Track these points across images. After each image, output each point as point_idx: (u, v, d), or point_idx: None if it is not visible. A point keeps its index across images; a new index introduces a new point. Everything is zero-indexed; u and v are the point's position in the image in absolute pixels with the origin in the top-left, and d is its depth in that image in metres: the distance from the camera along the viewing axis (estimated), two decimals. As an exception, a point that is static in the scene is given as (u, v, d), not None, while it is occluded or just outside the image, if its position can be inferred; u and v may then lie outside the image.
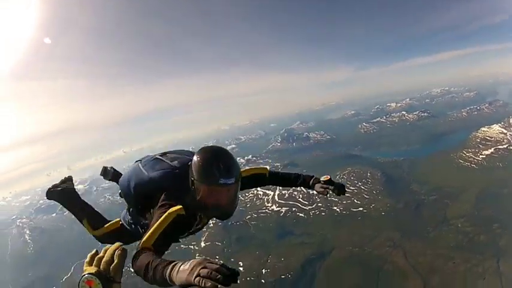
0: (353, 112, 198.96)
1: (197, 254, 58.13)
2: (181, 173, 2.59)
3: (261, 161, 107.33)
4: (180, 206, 2.36)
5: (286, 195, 75.42)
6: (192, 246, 61.52)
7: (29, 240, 74.95)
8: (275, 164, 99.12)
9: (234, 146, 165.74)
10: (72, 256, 59.58)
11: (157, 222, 2.16)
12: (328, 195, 3.18)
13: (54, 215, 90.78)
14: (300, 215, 68.11)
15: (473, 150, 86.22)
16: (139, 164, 2.92)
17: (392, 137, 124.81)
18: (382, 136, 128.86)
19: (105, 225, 3.57)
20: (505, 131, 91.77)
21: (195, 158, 2.40)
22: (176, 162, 2.78)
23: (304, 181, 3.26)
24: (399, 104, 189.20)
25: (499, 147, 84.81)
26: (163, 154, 2.98)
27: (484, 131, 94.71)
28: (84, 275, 1.44)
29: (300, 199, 72.84)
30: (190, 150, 3.05)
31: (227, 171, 2.29)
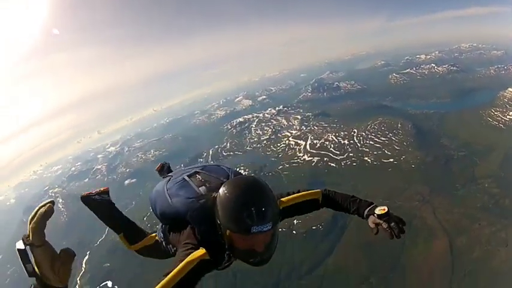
0: (383, 62, 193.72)
1: None
2: (208, 205, 2.12)
3: (292, 111, 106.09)
4: (204, 251, 2.07)
5: (318, 145, 75.30)
6: None
7: (62, 209, 74.31)
8: (306, 114, 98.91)
9: (264, 97, 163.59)
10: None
11: (175, 271, 1.90)
12: (377, 234, 2.51)
13: (86, 180, 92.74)
14: (332, 164, 67.80)
15: (500, 109, 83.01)
16: (165, 187, 2.61)
17: (422, 88, 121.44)
18: (412, 88, 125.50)
19: (141, 241, 3.28)
20: None
21: (221, 191, 1.97)
22: (204, 188, 2.44)
23: (358, 210, 2.67)
24: (428, 56, 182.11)
25: None
26: (194, 173, 2.66)
27: (511, 91, 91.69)
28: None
29: (331, 149, 72.57)
30: (226, 169, 2.69)
31: (261, 218, 1.89)
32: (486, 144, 67.73)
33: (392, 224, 2.37)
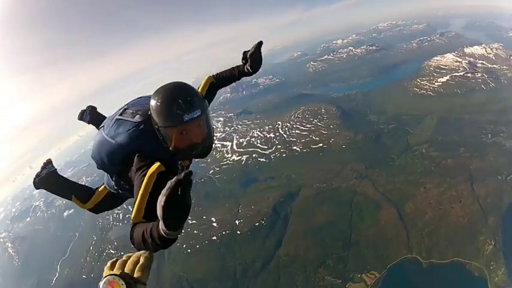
0: (299, 53, 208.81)
1: None
2: (147, 127, 2.55)
3: (214, 114, 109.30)
4: (158, 164, 2.33)
5: (245, 143, 79.59)
6: None
7: (13, 253, 76.25)
8: (228, 115, 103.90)
9: None
10: (55, 254, 64.70)
11: (140, 191, 2.15)
12: (248, 63, 3.37)
13: (28, 219, 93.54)
14: (261, 160, 71.75)
15: (427, 78, 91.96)
16: (103, 132, 2.84)
17: (342, 72, 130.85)
18: (332, 73, 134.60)
19: (93, 197, 3.66)
20: (459, 60, 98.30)
21: (151, 102, 2.40)
22: (138, 116, 2.70)
23: (238, 68, 3.51)
24: (345, 40, 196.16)
25: (455, 74, 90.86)
26: (123, 111, 2.87)
27: (437, 60, 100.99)
28: (106, 276, 1.41)
29: (258, 144, 76.91)
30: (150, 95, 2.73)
31: (190, 106, 2.30)
32: (416, 113, 74.25)
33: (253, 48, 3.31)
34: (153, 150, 2.50)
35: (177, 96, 2.29)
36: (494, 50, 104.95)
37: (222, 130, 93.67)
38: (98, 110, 4.09)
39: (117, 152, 2.67)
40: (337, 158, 64.21)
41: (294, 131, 77.22)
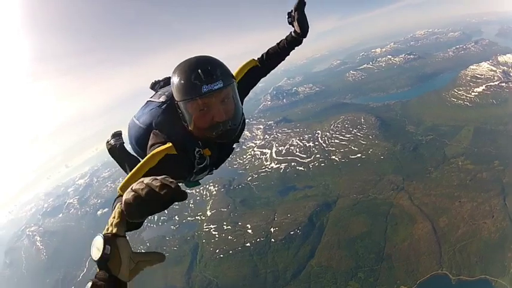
0: (339, 62, 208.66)
1: (204, 224, 62.44)
2: (169, 106, 2.45)
3: (254, 122, 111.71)
4: (170, 145, 2.16)
5: (284, 151, 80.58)
6: (198, 217, 65.94)
7: (41, 247, 78.85)
8: (268, 123, 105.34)
9: None
10: (85, 251, 63.66)
11: (139, 165, 2.00)
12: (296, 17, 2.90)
13: (60, 215, 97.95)
14: (300, 168, 72.18)
15: (464, 88, 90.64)
16: (133, 117, 2.82)
17: (381, 81, 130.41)
18: (371, 82, 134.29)
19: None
20: (494, 68, 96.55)
21: (173, 80, 2.21)
22: (163, 96, 2.62)
23: (286, 39, 3.11)
24: (384, 49, 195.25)
25: (491, 84, 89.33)
26: (155, 94, 2.89)
27: (473, 69, 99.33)
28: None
29: (297, 153, 77.71)
30: None
31: (209, 75, 2.10)
32: (453, 124, 73.18)
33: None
34: (171, 129, 2.33)
35: (196, 66, 2.11)
36: None
37: (261, 138, 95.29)
38: None
39: (142, 134, 2.54)
40: (375, 169, 64.32)
41: (333, 141, 77.97)
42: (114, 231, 1.42)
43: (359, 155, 70.73)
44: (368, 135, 75.90)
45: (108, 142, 3.77)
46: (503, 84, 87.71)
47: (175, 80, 2.17)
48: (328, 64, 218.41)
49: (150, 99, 2.82)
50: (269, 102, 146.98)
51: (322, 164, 71.31)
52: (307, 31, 2.98)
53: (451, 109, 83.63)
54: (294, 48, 3.20)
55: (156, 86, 3.50)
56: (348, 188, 61.26)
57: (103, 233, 1.39)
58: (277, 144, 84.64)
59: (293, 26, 2.96)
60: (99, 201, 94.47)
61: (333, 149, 75.03)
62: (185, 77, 2.11)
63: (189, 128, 2.28)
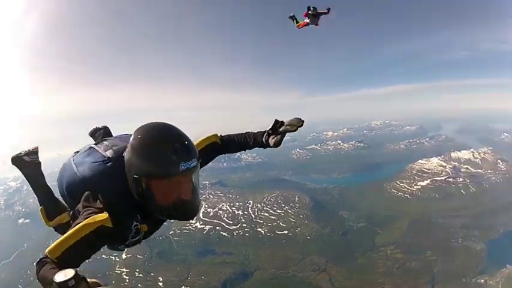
0: (288, 138, 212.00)
1: (117, 266, 63.92)
2: (115, 167, 2.29)
3: None
4: (106, 216, 2.04)
5: (212, 213, 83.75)
6: (113, 257, 65.73)
7: None
8: (203, 182, 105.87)
9: None
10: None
11: (70, 232, 1.93)
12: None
13: None
14: (224, 234, 75.61)
15: (407, 181, 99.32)
16: (72, 159, 2.67)
17: (325, 164, 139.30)
18: (315, 163, 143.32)
19: (57, 218, 3.32)
20: (444, 164, 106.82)
21: (133, 143, 2.11)
22: (111, 151, 2.48)
23: (255, 140, 3.03)
24: (336, 133, 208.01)
25: (436, 178, 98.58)
26: (102, 140, 2.76)
27: (421, 163, 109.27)
28: None
29: (224, 218, 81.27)
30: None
31: (187, 152, 2.06)
32: (389, 214, 79.89)
33: (286, 122, 2.88)
34: (111, 195, 2.18)
35: (172, 138, 2.05)
36: (482, 154, 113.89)
37: None
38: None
39: (76, 183, 2.43)
40: (300, 248, 67.98)
41: (263, 213, 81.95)
42: None
43: (286, 231, 74.87)
44: (299, 214, 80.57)
45: (20, 156, 3.40)
46: (451, 179, 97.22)
47: (142, 148, 2.06)
48: None
49: (94, 146, 2.68)
50: (211, 163, 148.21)
51: (247, 234, 75.19)
52: (278, 147, 3.02)
53: (389, 200, 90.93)
54: (255, 148, 3.20)
55: (96, 133, 3.33)
56: (268, 261, 64.49)
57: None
58: (206, 205, 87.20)
59: (269, 136, 2.97)
60: (23, 209, 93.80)
61: (261, 221, 79.13)
62: (159, 150, 2.02)
63: (146, 200, 2.17)
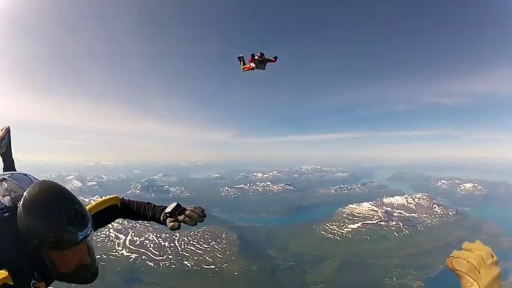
0: (217, 175, 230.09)
1: None
2: (11, 219, 2.21)
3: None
4: (6, 274, 2.04)
5: (138, 242, 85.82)
6: None
7: None
8: None
9: (95, 183, 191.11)
10: None
11: None
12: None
13: None
14: (150, 264, 77.14)
15: (337, 223, 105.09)
16: None
17: (254, 204, 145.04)
18: (243, 202, 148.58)
19: None
20: (376, 208, 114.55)
21: (28, 205, 2.12)
22: (8, 198, 2.36)
23: (154, 215, 3.11)
24: (266, 175, 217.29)
25: (368, 222, 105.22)
26: (1, 181, 2.55)
27: (352, 207, 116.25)
28: None
29: (151, 248, 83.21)
30: (32, 178, 2.69)
31: (82, 219, 2.14)
32: (318, 254, 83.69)
33: (188, 212, 2.95)
34: (9, 251, 2.14)
35: (67, 207, 2.09)
36: (416, 199, 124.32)
37: (120, 222, 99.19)
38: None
39: None
40: (227, 283, 70.24)
41: (189, 247, 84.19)
42: None
43: (213, 266, 77.39)
44: (226, 251, 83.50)
45: None
46: (382, 223, 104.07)
47: (40, 219, 2.07)
48: (206, 174, 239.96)
49: None
50: (138, 191, 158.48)
51: (173, 266, 77.13)
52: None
53: (318, 241, 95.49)
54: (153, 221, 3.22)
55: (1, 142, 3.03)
56: None
57: None
58: (133, 233, 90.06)
59: (167, 217, 3.04)
60: None
61: (187, 254, 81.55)
62: (58, 222, 2.06)
63: (38, 266, 2.23)
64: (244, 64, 12.63)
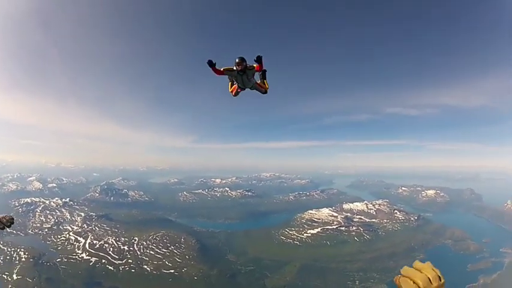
0: (176, 180, 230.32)
1: (10, 286, 65.96)
2: None
3: (77, 207, 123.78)
4: None
5: (97, 245, 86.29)
6: (4, 276, 68.88)
7: None
8: (90, 213, 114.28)
9: (55, 185, 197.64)
10: None
11: None
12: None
13: None
14: (110, 268, 77.43)
15: (297, 229, 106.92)
16: None
17: (211, 209, 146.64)
18: (201, 207, 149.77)
19: None
20: (335, 214, 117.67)
21: None
22: None
23: None
24: (224, 181, 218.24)
25: (328, 227, 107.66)
26: None
27: (311, 213, 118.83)
28: None
29: (110, 252, 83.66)
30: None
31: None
32: (278, 259, 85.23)
33: None
34: None
35: None
36: (376, 205, 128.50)
37: (80, 225, 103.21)
38: None
39: None
40: (186, 287, 71.07)
41: (148, 251, 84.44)
42: None
43: (172, 270, 77.78)
44: (185, 255, 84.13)
45: None
46: (343, 228, 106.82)
47: None
48: (165, 179, 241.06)
49: None
50: (97, 194, 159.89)
51: (133, 270, 77.44)
52: None
53: (277, 246, 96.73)
54: None
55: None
56: None
57: None
58: (92, 237, 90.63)
59: None
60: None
61: (147, 259, 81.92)
62: None
63: None
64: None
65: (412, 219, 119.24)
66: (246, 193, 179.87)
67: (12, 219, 2.91)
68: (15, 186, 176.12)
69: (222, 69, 9.68)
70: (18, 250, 78.88)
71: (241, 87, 10.26)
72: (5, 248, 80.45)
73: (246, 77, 9.82)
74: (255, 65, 9.44)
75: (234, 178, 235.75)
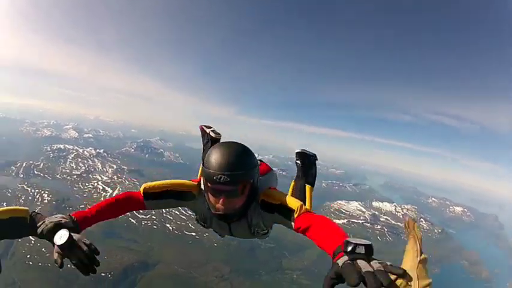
0: None
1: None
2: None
3: (110, 159, 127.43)
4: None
5: None
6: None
7: None
8: (122, 166, 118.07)
9: (91, 135, 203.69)
10: None
11: None
12: None
13: None
14: (132, 221, 79.92)
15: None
16: None
17: None
18: None
19: None
20: (364, 210, 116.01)
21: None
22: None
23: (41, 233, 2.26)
24: (261, 157, 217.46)
25: (354, 220, 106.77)
26: None
27: (340, 203, 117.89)
28: None
29: None
30: None
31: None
32: (300, 243, 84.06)
33: (81, 254, 2.05)
34: None
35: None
36: (405, 210, 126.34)
37: (110, 176, 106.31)
38: None
39: None
40: (206, 252, 72.94)
41: (173, 211, 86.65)
42: None
43: (194, 233, 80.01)
44: None
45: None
46: (368, 224, 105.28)
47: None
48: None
49: None
50: (132, 150, 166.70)
51: (155, 227, 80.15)
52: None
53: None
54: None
55: None
56: (172, 258, 68.98)
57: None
58: (121, 189, 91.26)
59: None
60: None
61: (171, 218, 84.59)
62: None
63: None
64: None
65: (436, 231, 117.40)
66: (281, 172, 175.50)
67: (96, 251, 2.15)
68: (50, 132, 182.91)
69: None
70: (42, 192, 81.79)
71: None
72: (29, 189, 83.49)
73: None
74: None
75: (271, 156, 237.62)
